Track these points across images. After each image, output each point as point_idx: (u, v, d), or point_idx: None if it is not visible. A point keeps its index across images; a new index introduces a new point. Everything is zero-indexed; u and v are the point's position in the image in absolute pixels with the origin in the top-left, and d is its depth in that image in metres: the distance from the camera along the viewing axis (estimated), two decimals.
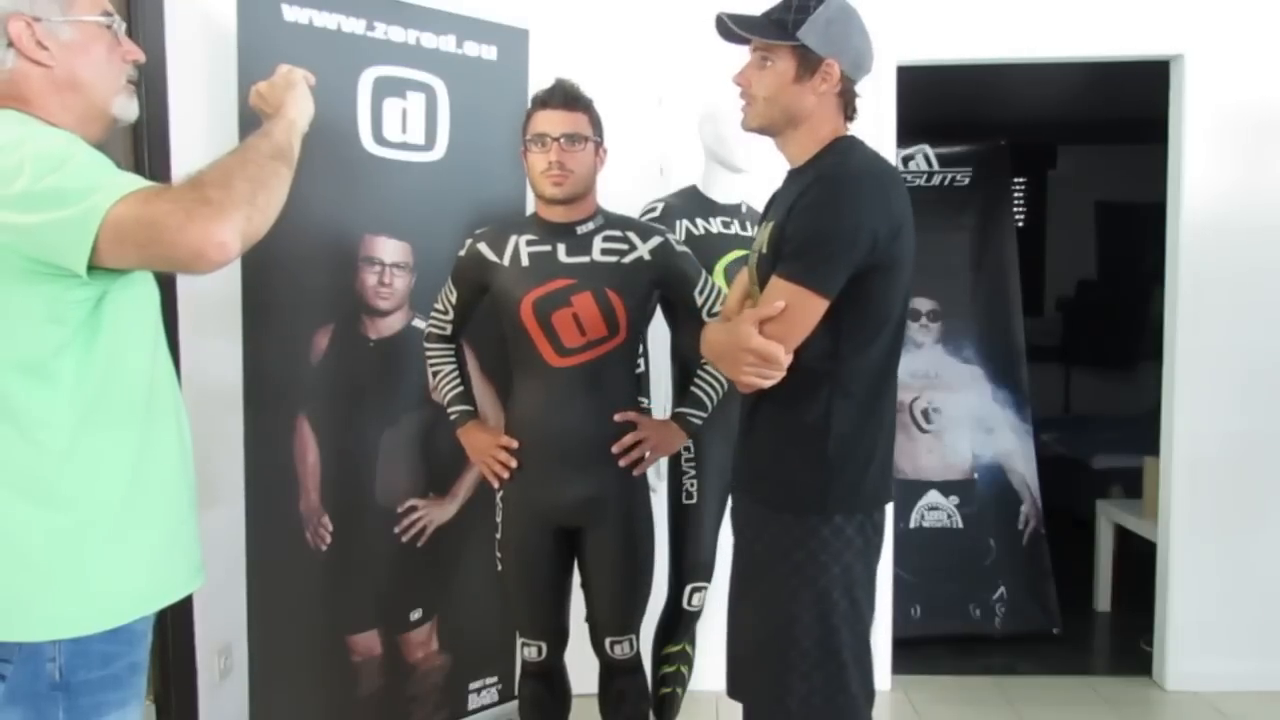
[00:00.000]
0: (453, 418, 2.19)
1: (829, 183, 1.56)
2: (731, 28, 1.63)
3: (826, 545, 1.60)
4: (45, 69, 1.33)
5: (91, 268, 1.19)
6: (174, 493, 1.42)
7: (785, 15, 1.59)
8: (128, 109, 1.43)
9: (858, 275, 1.54)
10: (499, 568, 2.18)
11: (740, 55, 1.69)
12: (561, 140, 2.00)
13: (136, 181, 1.22)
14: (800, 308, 1.52)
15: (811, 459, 1.60)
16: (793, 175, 1.69)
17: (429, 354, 2.24)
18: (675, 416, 2.22)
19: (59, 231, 1.17)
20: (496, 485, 2.14)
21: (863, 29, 1.64)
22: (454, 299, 2.19)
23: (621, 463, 2.08)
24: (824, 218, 1.53)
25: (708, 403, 2.20)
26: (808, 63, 1.59)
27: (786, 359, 1.54)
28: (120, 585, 1.33)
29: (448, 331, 2.22)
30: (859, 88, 1.68)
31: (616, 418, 2.08)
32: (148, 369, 1.39)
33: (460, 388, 2.21)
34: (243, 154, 1.32)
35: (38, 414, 1.27)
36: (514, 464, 2.08)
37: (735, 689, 1.75)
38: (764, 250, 1.65)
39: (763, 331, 1.53)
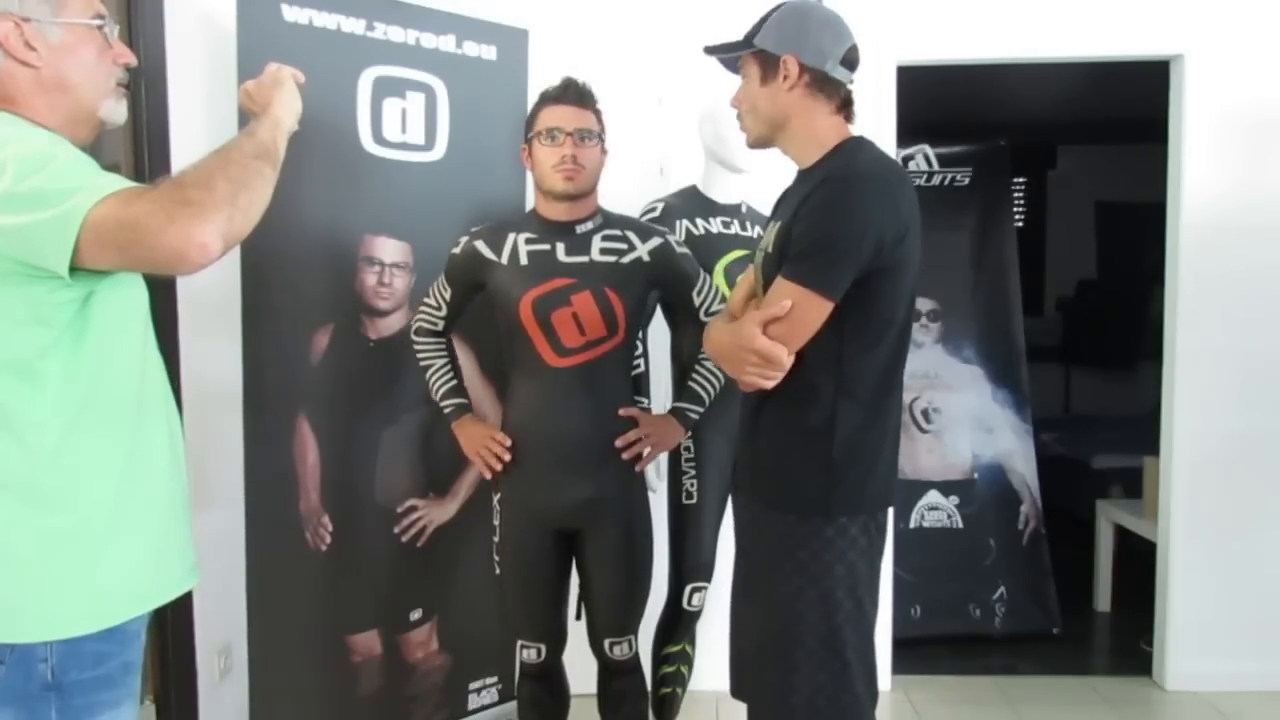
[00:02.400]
0: (447, 411, 2.18)
1: (835, 185, 1.56)
2: (713, 55, 1.73)
3: (830, 545, 1.60)
4: (33, 70, 1.32)
5: (74, 269, 1.19)
6: (165, 493, 1.42)
7: (751, 31, 1.67)
8: (116, 112, 1.42)
9: (863, 277, 1.54)
10: (497, 570, 2.18)
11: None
12: (574, 135, 2.00)
13: (119, 182, 1.22)
14: (804, 309, 1.53)
15: (816, 461, 1.60)
16: (802, 176, 1.69)
17: (419, 347, 2.22)
18: (673, 412, 2.22)
19: (41, 233, 1.17)
20: (489, 475, 2.14)
21: (822, 21, 1.65)
22: (447, 295, 2.17)
23: (625, 455, 2.08)
24: (830, 220, 1.53)
25: (705, 397, 2.20)
26: (768, 64, 1.64)
27: (789, 360, 1.55)
28: (112, 585, 1.33)
29: (439, 326, 2.21)
30: (855, 85, 1.69)
31: (621, 412, 2.08)
32: (137, 370, 1.38)
33: (453, 381, 2.20)
34: (225, 154, 1.30)
35: (25, 415, 1.26)
36: (507, 456, 2.08)
37: (739, 689, 1.75)
38: (769, 250, 1.65)
39: (767, 332, 1.54)
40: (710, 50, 1.73)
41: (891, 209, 1.55)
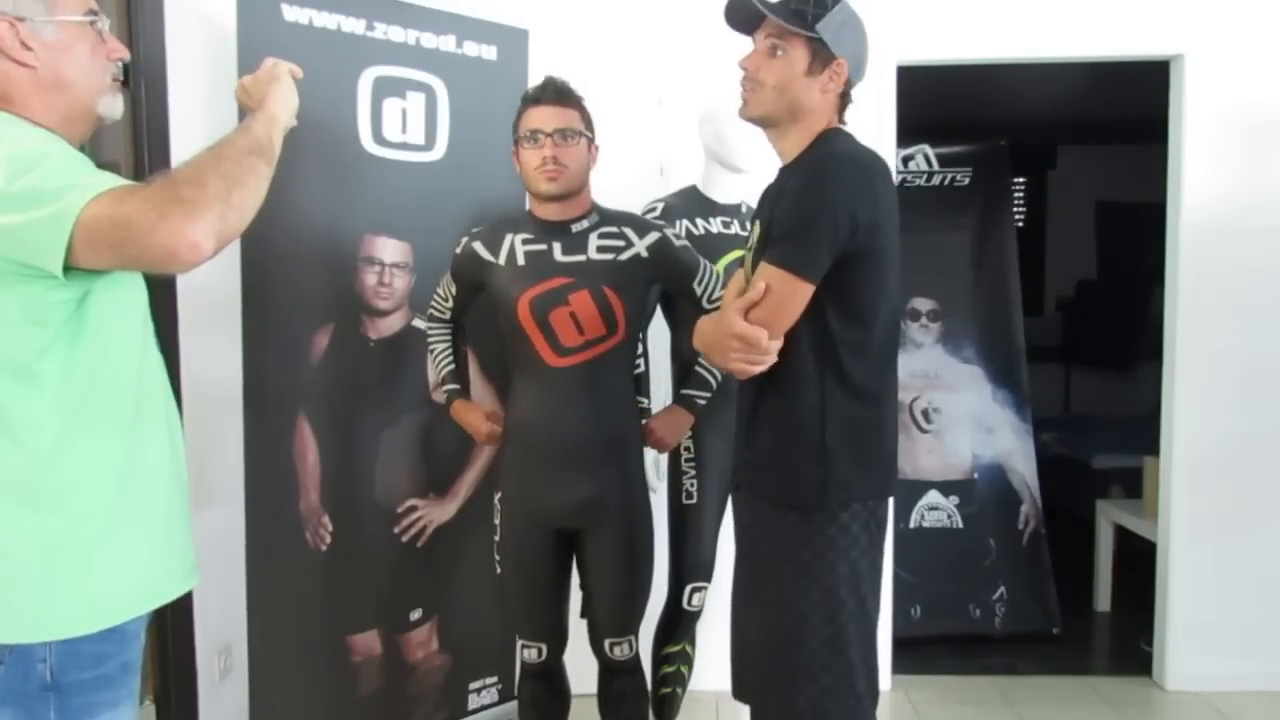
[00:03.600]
0: (444, 395, 2.26)
1: (812, 170, 1.58)
2: (752, 5, 1.60)
3: (833, 544, 1.60)
4: (29, 69, 1.32)
5: (69, 268, 1.18)
6: (164, 493, 1.41)
7: (804, 7, 1.60)
8: (113, 107, 1.42)
9: (842, 259, 1.54)
10: (498, 570, 2.18)
11: (741, 48, 1.69)
12: (555, 135, 2.00)
13: (112, 180, 1.21)
14: (784, 292, 1.53)
15: (810, 448, 1.60)
16: (784, 171, 1.69)
17: (429, 332, 2.29)
18: (680, 399, 2.24)
19: (34, 232, 1.16)
20: (480, 441, 2.23)
21: (865, 35, 1.66)
22: (453, 290, 2.21)
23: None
24: (806, 202, 1.54)
25: (712, 382, 2.22)
26: (820, 58, 1.61)
27: (774, 345, 1.55)
28: (111, 585, 1.33)
29: (446, 316, 2.26)
30: (855, 85, 1.69)
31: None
32: (135, 369, 1.38)
33: (452, 365, 2.25)
34: (219, 150, 1.29)
35: (22, 416, 1.26)
36: (497, 433, 2.16)
37: (741, 690, 1.74)
38: (754, 247, 1.66)
39: (749, 317, 1.54)
40: (763, 3, 1.60)
41: (867, 191, 1.55)
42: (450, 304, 2.23)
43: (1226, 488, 3.18)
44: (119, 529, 1.33)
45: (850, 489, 1.61)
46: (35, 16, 1.31)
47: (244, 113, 1.59)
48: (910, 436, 3.76)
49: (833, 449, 1.59)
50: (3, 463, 1.26)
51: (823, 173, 1.56)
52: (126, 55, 1.44)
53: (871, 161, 1.62)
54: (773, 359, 1.56)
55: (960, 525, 3.73)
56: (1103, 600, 4.03)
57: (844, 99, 1.67)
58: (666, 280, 2.16)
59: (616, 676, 2.23)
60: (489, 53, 2.62)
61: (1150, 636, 3.34)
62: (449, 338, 2.27)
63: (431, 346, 2.28)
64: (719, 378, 2.22)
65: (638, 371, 2.42)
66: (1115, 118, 5.35)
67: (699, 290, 2.13)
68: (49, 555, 1.28)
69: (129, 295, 1.38)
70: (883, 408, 1.66)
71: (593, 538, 2.10)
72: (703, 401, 2.22)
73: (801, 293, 1.53)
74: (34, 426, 1.27)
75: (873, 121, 2.93)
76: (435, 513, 2.61)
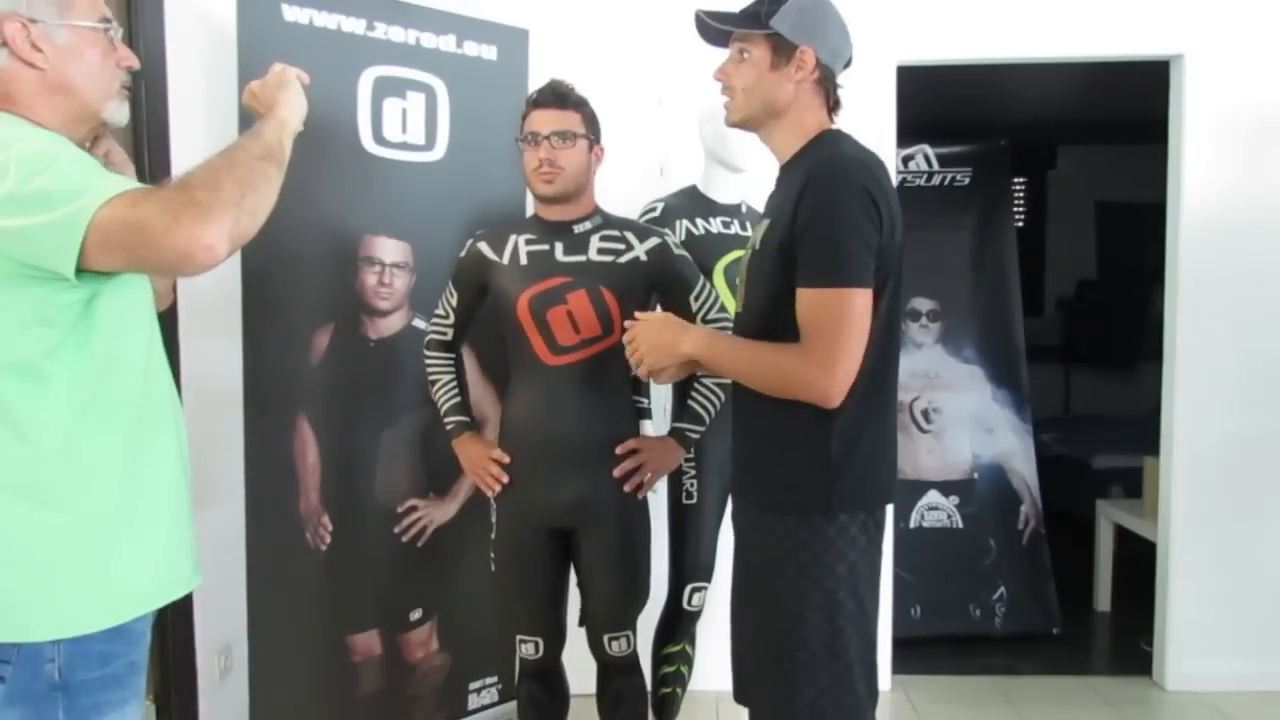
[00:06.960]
0: (449, 428, 2.19)
1: (827, 176, 1.53)
2: (709, 23, 1.65)
3: (831, 545, 1.59)
4: (38, 71, 1.32)
5: (80, 270, 1.19)
6: (171, 491, 1.42)
7: (759, 7, 1.62)
8: (118, 114, 1.43)
9: None
10: (493, 568, 2.18)
11: None
12: (552, 138, 2.01)
13: (124, 183, 1.22)
14: (838, 310, 1.50)
15: (814, 459, 1.59)
16: (784, 171, 1.68)
17: (428, 362, 2.23)
18: (673, 432, 2.21)
19: (46, 235, 1.17)
20: (489, 494, 2.15)
21: (838, 20, 1.65)
22: (454, 302, 2.19)
23: (626, 487, 2.08)
24: (832, 211, 1.50)
25: (705, 416, 2.18)
26: (782, 50, 1.61)
27: (842, 373, 1.53)
28: (118, 584, 1.33)
29: (448, 336, 2.22)
30: (855, 85, 1.68)
31: (618, 450, 2.07)
32: (142, 369, 1.38)
33: (457, 398, 2.20)
34: (231, 155, 1.31)
35: (32, 415, 1.27)
36: (505, 478, 2.09)
37: (742, 694, 1.74)
38: (757, 247, 1.65)
39: (809, 355, 1.52)
40: (716, 18, 1.64)
41: (881, 192, 1.54)
42: (451, 320, 2.20)
43: (1226, 488, 3.18)
44: (126, 527, 1.34)
45: (853, 498, 1.60)
46: (48, 19, 1.32)
47: (248, 115, 1.60)
48: (910, 436, 3.76)
49: (836, 459, 1.58)
50: (12, 462, 1.27)
51: (840, 177, 1.53)
52: (136, 64, 1.45)
53: (876, 165, 1.61)
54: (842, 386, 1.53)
55: (960, 525, 3.73)
56: (1103, 600, 4.04)
57: (826, 90, 1.65)
58: (663, 288, 2.15)
59: (615, 676, 2.22)
60: (489, 53, 2.63)
61: (1150, 636, 3.34)
62: (451, 368, 2.22)
63: (434, 378, 2.21)
64: (714, 411, 2.18)
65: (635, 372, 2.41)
66: (1115, 118, 5.36)
67: (695, 306, 2.12)
68: (57, 554, 1.28)
69: (136, 296, 1.38)
70: (885, 412, 1.65)
71: (587, 538, 2.10)
72: (695, 436, 2.20)
73: (859, 302, 1.50)
74: (43, 426, 1.27)
75: (873, 121, 2.93)
76: (435, 513, 2.62)
